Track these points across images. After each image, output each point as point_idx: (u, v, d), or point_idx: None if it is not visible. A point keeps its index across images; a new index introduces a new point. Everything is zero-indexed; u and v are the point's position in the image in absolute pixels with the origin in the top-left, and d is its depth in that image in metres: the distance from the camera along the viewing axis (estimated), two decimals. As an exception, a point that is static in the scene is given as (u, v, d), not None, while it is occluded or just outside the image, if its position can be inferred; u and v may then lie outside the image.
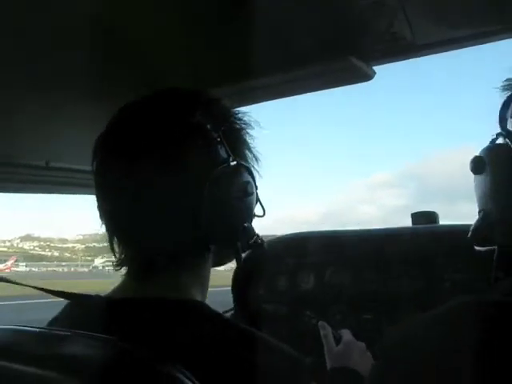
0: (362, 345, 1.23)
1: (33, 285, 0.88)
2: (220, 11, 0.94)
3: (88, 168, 1.08)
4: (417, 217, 1.56)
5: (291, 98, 1.15)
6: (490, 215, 0.73)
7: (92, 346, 0.65)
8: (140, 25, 0.98)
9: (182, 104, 0.83)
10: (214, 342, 0.70)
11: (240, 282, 1.71)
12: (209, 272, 0.88)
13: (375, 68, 1.06)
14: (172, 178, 0.77)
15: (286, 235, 1.72)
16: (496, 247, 0.75)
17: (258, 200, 0.89)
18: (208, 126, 0.79)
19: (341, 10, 0.88)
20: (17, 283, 0.95)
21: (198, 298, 0.83)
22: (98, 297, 0.84)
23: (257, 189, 0.88)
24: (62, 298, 0.81)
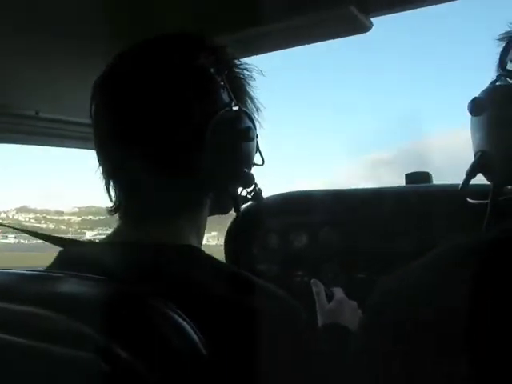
0: (354, 303, 1.25)
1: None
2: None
3: (79, 120, 1.07)
4: (410, 177, 1.56)
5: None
6: (489, 154, 0.73)
7: (84, 285, 0.66)
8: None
9: (186, 47, 0.81)
10: (209, 285, 0.69)
11: (232, 239, 1.72)
12: (205, 219, 0.88)
13: (373, 20, 1.03)
14: (173, 120, 0.76)
15: (279, 194, 1.71)
16: (491, 189, 0.76)
17: (257, 149, 0.88)
18: (212, 70, 0.79)
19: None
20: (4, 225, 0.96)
21: (195, 243, 0.83)
22: (91, 242, 0.84)
23: (257, 137, 0.87)
24: (54, 243, 0.81)
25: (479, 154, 0.75)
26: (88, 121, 0.83)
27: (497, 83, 0.74)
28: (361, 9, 0.98)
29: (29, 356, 0.58)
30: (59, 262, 0.80)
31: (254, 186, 0.87)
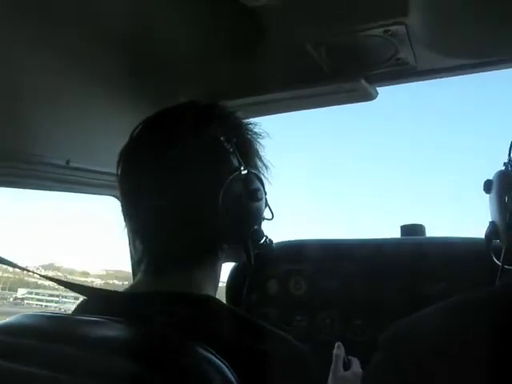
0: None
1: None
2: (236, 27, 1.01)
3: (107, 170, 1.14)
4: (405, 229, 1.65)
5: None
6: (496, 224, 0.89)
7: (126, 329, 0.72)
8: (162, 40, 1.05)
9: (199, 118, 0.90)
10: (225, 333, 0.75)
11: (233, 284, 1.77)
12: (220, 269, 0.94)
13: (378, 89, 1.15)
14: (189, 185, 0.85)
15: (279, 242, 1.78)
16: (503, 251, 0.91)
17: (267, 204, 0.96)
18: (222, 138, 0.87)
19: (354, 35, 0.96)
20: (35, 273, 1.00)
21: (211, 292, 0.89)
22: (114, 291, 0.90)
23: (266, 194, 0.95)
24: (78, 292, 0.87)
25: (489, 224, 0.92)
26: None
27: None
28: (367, 80, 1.09)
29: None
30: (83, 310, 0.86)
31: (264, 238, 0.94)
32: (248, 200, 0.89)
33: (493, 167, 0.91)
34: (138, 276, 0.89)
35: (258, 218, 0.92)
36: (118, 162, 0.89)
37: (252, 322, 0.82)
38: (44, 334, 0.73)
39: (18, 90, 1.01)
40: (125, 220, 0.90)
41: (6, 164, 1.02)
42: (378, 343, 0.72)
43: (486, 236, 0.95)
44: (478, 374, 0.54)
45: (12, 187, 1.10)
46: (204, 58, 1.10)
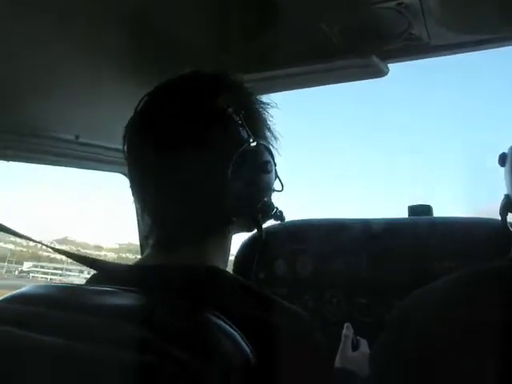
0: None
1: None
2: (248, 2, 1.00)
3: (116, 146, 1.14)
4: (413, 209, 1.65)
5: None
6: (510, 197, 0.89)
7: (138, 298, 0.73)
8: (171, 12, 1.04)
9: (206, 89, 0.88)
10: (237, 305, 0.76)
11: (240, 264, 1.78)
12: (231, 242, 0.95)
13: (389, 65, 1.14)
14: (198, 157, 0.83)
15: (286, 222, 1.78)
16: None
17: (276, 176, 0.95)
18: (230, 110, 0.85)
19: (366, 10, 0.95)
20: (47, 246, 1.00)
21: (221, 265, 0.90)
22: (125, 265, 0.91)
23: (275, 166, 0.94)
24: (90, 266, 0.88)
25: (504, 197, 0.91)
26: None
27: None
28: (379, 56, 1.09)
29: (97, 362, 0.63)
30: (94, 283, 0.86)
31: (275, 209, 0.94)
32: (258, 172, 0.89)
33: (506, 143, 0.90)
34: (148, 250, 0.89)
35: (267, 190, 0.92)
36: (124, 137, 0.89)
37: (263, 295, 0.82)
38: (56, 302, 0.74)
39: (30, 67, 1.01)
40: (133, 195, 0.90)
41: (17, 138, 1.02)
42: (385, 323, 0.73)
43: (501, 208, 0.94)
44: (480, 345, 0.54)
45: (22, 161, 1.10)
46: (214, 31, 1.09)
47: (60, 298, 0.75)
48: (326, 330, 0.89)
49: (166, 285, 0.77)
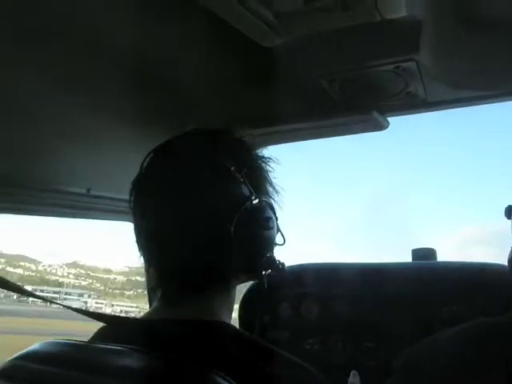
0: None
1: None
2: (250, 60, 1.04)
3: (124, 197, 1.17)
4: (417, 253, 1.67)
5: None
6: None
7: (146, 359, 0.74)
8: (175, 72, 1.09)
9: (209, 147, 0.91)
10: (240, 359, 0.77)
11: (246, 307, 1.79)
12: (234, 293, 0.97)
13: (389, 119, 1.18)
14: (201, 214, 0.86)
15: (291, 266, 1.80)
16: None
17: (278, 230, 0.97)
18: (232, 169, 0.88)
19: (366, 71, 1.00)
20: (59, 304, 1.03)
21: (226, 318, 0.91)
22: (134, 319, 0.92)
23: (277, 220, 0.96)
24: (98, 320, 0.89)
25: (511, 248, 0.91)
26: None
27: None
28: (379, 112, 1.13)
29: None
30: (101, 337, 0.88)
31: (277, 262, 0.95)
32: (260, 229, 0.90)
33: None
34: (155, 303, 0.92)
35: (269, 245, 0.94)
36: (131, 191, 0.91)
37: (267, 348, 0.84)
38: (67, 361, 0.76)
39: (43, 123, 1.04)
40: (138, 248, 0.92)
41: (29, 192, 1.06)
42: (392, 368, 0.74)
43: (509, 261, 0.93)
44: None
45: (33, 215, 1.13)
46: (217, 89, 1.13)
47: (71, 357, 0.77)
48: (331, 374, 0.90)
49: (170, 341, 0.79)
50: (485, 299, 1.34)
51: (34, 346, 0.83)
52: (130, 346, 0.77)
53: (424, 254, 1.65)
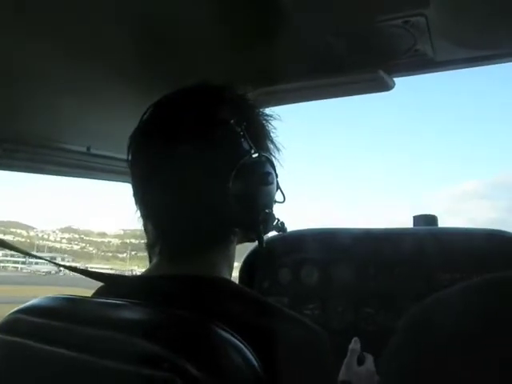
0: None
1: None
2: (253, 15, 1.01)
3: (124, 156, 1.16)
4: (418, 219, 1.66)
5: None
6: None
7: (146, 311, 0.74)
8: (180, 24, 1.06)
9: (209, 100, 0.90)
10: (241, 314, 0.77)
11: (246, 273, 1.80)
12: (234, 251, 0.96)
13: (396, 79, 1.16)
14: (200, 167, 0.85)
15: (291, 231, 1.80)
16: None
17: (278, 187, 0.96)
18: (232, 121, 0.86)
19: (374, 26, 0.97)
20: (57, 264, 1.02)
21: (226, 275, 0.91)
22: (134, 276, 0.92)
23: (277, 177, 0.95)
24: (96, 279, 0.88)
25: None
26: None
27: None
28: (386, 71, 1.10)
29: (107, 375, 0.64)
30: (106, 294, 0.87)
31: (276, 221, 0.95)
32: (259, 184, 0.89)
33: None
34: (154, 260, 0.91)
35: (269, 201, 0.93)
36: (129, 147, 0.90)
37: (268, 304, 0.84)
38: (67, 315, 0.76)
39: (43, 81, 1.02)
40: (136, 205, 0.91)
41: (29, 149, 1.04)
42: (398, 326, 0.72)
43: None
44: (497, 356, 0.53)
45: (33, 172, 1.12)
46: (218, 45, 1.10)
47: (72, 311, 0.77)
48: (331, 339, 0.90)
49: (171, 296, 0.78)
50: (488, 267, 1.33)
51: (35, 300, 0.82)
52: (131, 300, 0.76)
53: (425, 220, 1.65)
